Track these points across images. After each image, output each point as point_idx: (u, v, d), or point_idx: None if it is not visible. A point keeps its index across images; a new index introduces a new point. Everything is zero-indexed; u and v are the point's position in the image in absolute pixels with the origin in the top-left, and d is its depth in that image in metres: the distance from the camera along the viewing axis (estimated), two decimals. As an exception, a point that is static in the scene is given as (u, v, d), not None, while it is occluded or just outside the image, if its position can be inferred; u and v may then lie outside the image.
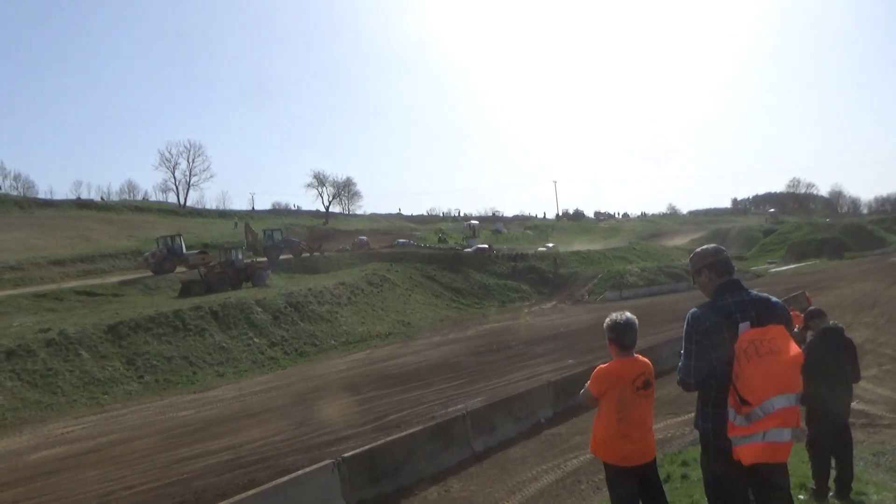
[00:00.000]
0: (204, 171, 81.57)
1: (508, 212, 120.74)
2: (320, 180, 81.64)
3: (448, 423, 9.27)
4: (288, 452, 10.76)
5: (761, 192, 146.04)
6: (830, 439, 5.24)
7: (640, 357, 3.80)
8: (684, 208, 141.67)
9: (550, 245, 63.03)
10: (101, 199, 78.94)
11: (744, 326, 3.07)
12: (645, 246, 62.76)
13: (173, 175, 79.92)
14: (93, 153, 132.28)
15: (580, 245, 64.81)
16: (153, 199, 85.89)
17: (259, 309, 26.79)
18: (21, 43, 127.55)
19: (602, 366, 3.78)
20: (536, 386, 11.51)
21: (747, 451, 2.92)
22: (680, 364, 3.25)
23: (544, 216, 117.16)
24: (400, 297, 35.48)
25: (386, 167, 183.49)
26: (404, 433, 8.86)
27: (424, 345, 25.54)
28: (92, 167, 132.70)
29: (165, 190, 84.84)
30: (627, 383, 3.68)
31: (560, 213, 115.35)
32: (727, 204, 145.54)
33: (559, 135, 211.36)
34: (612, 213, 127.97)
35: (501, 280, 42.55)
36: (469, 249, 49.88)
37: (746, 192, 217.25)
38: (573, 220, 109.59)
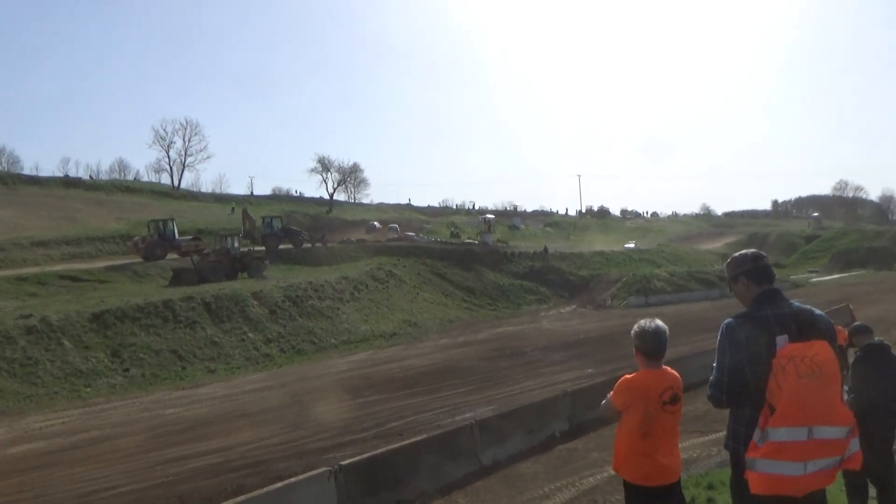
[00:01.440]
0: (200, 151, 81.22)
1: (527, 206, 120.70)
2: (325, 165, 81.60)
3: (454, 433, 9.29)
4: (281, 457, 10.85)
5: (804, 194, 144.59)
6: (870, 464, 5.17)
7: (669, 369, 3.80)
8: (719, 209, 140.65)
9: (631, 245, 62.73)
10: (90, 177, 79.65)
11: (782, 340, 3.03)
12: (675, 249, 62.55)
13: (167, 154, 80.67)
14: (82, 128, 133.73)
15: (602, 245, 64.55)
16: (145, 179, 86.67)
17: (255, 302, 26.96)
18: (9, 11, 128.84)
19: (627, 376, 3.78)
20: (552, 396, 11.50)
21: (756, 479, 2.91)
22: (711, 378, 3.22)
23: (566, 212, 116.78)
24: (407, 294, 35.59)
25: (396, 154, 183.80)
26: (407, 442, 8.90)
27: (431, 347, 25.62)
28: (81, 143, 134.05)
29: (159, 170, 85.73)
30: (654, 397, 3.67)
31: (583, 210, 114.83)
32: (767, 206, 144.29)
33: (584, 126, 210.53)
34: (640, 212, 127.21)
35: (517, 280, 42.61)
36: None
37: (788, 193, 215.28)
38: (597, 218, 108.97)
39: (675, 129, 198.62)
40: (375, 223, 58.83)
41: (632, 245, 63.74)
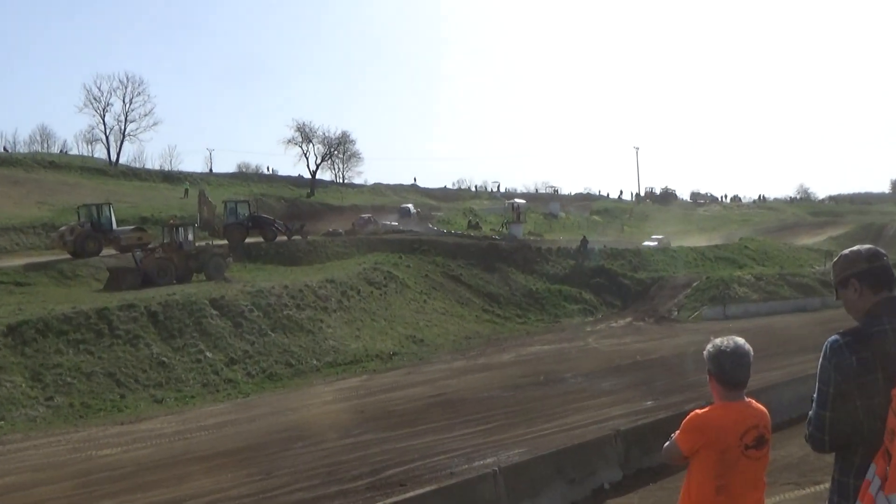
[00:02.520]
0: (145, 116, 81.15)
1: (567, 188, 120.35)
2: (305, 135, 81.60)
3: (472, 484, 9.30)
4: (247, 513, 10.91)
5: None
6: None
7: (754, 403, 3.81)
8: (821, 192, 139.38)
9: (658, 238, 61.97)
10: (4, 149, 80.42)
11: (907, 365, 3.01)
12: (762, 244, 61.83)
13: (103, 120, 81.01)
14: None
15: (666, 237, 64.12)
16: (74, 152, 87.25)
17: (214, 312, 27.04)
18: None
19: (698, 411, 3.80)
20: (599, 436, 11.51)
21: None
22: (811, 414, 3.23)
23: (619, 196, 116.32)
24: (411, 302, 35.56)
25: (398, 121, 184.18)
26: (411, 494, 8.93)
27: (443, 371, 25.58)
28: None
29: (91, 141, 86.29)
30: (733, 438, 3.67)
31: (642, 193, 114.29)
32: (885, 188, 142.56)
33: (642, 84, 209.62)
34: (717, 196, 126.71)
35: (555, 285, 42.50)
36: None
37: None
38: (660, 204, 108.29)
39: (764, 89, 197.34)
40: (367, 216, 58.54)
41: (655, 242, 59.27)
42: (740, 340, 3.74)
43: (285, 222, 46.42)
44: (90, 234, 36.65)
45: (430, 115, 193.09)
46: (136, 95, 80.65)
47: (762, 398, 4.08)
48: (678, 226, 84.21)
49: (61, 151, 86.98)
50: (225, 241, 40.28)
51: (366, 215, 58.65)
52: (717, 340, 3.77)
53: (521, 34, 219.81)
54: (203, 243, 37.23)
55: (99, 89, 79.90)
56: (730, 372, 3.70)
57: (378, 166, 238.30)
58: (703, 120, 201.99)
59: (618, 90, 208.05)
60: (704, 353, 3.78)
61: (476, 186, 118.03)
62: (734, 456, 3.66)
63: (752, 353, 3.73)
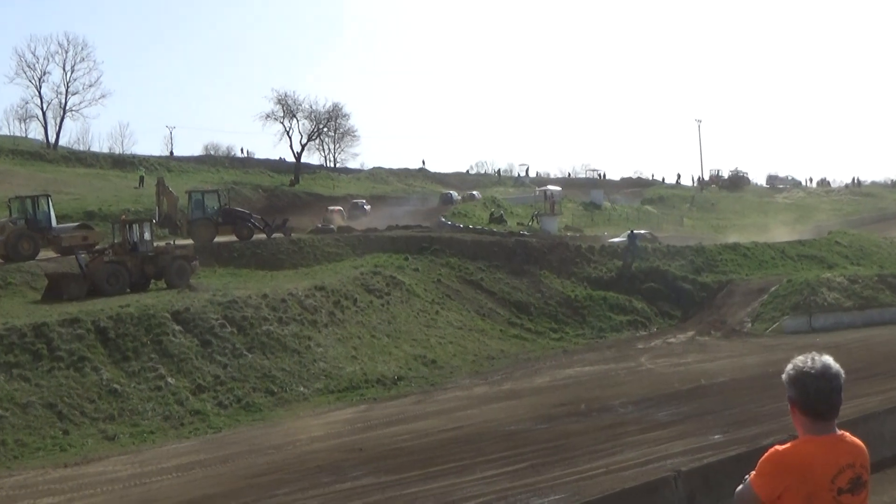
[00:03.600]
0: (91, 87, 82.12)
1: (613, 172, 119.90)
2: (288, 108, 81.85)
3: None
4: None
5: None
6: None
7: (848, 436, 3.79)
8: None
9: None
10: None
11: None
12: (857, 238, 61.38)
13: (39, 93, 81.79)
14: None
15: (738, 233, 63.78)
16: (4, 132, 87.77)
17: (177, 327, 27.07)
18: None
19: (779, 448, 3.77)
20: (655, 478, 11.39)
21: None
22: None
23: (678, 181, 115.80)
24: (420, 314, 35.50)
25: (401, 91, 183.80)
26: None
27: (460, 400, 25.56)
28: None
29: (25, 118, 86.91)
30: (823, 481, 3.65)
31: (705, 177, 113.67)
32: None
33: (705, 47, 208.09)
34: (800, 180, 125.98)
35: (599, 291, 42.33)
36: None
37: None
38: (729, 190, 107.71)
39: (856, 44, 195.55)
40: (362, 201, 58.64)
41: (619, 237, 54.74)
42: (828, 359, 3.72)
43: (264, 217, 46.53)
44: (24, 233, 36.72)
45: (442, 84, 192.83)
46: (80, 62, 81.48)
47: (859, 430, 4.10)
48: (752, 217, 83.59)
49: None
50: (190, 241, 40.43)
51: (334, 207, 58.80)
52: (799, 359, 3.75)
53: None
54: (163, 243, 37.25)
55: (34, 54, 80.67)
56: (815, 399, 3.68)
57: (378, 147, 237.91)
58: (781, 86, 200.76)
59: (674, 50, 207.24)
60: (784, 375, 3.77)
61: (500, 170, 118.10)
62: (825, 502, 3.63)
63: (843, 375, 3.70)
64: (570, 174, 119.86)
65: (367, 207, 67.53)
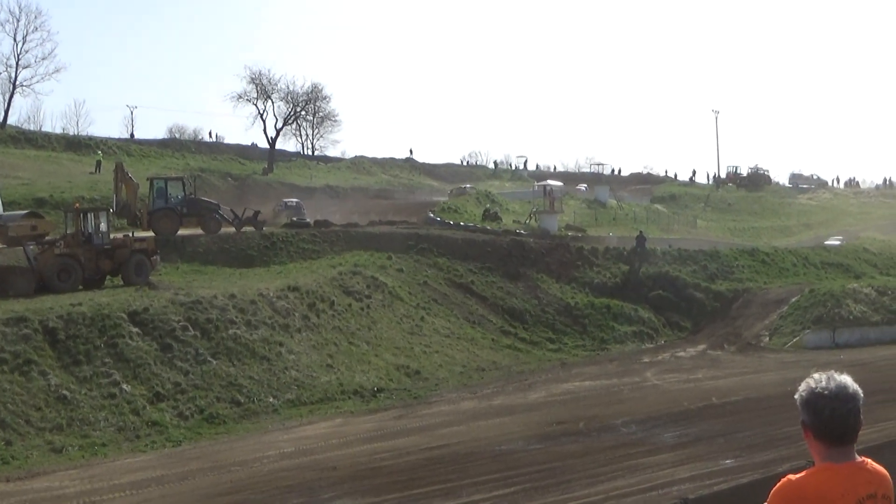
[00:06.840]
0: (44, 59, 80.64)
1: (619, 167, 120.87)
2: (262, 89, 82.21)
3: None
4: None
5: None
6: None
7: (870, 463, 3.83)
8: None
9: (839, 238, 61.86)
10: None
11: None
12: (887, 245, 61.97)
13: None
14: None
15: (755, 237, 63.79)
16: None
17: (135, 329, 27.07)
18: None
19: (791, 477, 3.79)
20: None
21: None
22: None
23: (692, 178, 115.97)
24: (403, 319, 35.79)
25: (387, 74, 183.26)
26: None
27: (446, 415, 25.97)
28: None
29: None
30: (842, 513, 3.64)
31: (722, 175, 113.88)
32: None
33: (721, 31, 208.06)
34: (826, 180, 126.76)
35: (602, 298, 42.76)
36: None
37: None
38: (748, 189, 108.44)
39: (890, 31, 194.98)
40: (294, 200, 58.94)
41: (837, 241, 60.66)
42: (845, 379, 3.74)
43: (233, 208, 46.66)
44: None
45: (434, 66, 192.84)
46: (32, 32, 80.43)
47: (883, 457, 4.24)
48: (772, 219, 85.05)
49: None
50: (150, 233, 40.23)
51: (291, 200, 58.80)
52: (813, 379, 3.76)
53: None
54: (121, 236, 36.88)
55: (-20, 22, 79.72)
56: (830, 423, 3.71)
57: (361, 134, 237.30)
58: (807, 75, 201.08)
59: (688, 33, 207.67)
60: (796, 396, 3.80)
61: (495, 162, 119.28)
62: (843, 537, 3.67)
63: (861, 397, 3.72)
64: (577, 168, 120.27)
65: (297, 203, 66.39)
